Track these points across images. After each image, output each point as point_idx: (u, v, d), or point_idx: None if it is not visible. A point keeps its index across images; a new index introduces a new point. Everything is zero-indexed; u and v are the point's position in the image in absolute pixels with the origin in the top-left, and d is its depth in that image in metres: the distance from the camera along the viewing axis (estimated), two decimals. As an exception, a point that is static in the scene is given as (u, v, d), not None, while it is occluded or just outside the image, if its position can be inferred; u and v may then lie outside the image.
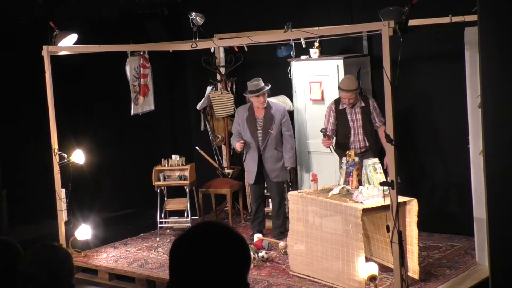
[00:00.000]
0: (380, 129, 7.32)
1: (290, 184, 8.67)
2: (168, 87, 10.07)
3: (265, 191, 8.43)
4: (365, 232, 6.77)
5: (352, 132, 7.55)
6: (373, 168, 6.46)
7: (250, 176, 8.15)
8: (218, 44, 8.24)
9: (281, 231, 8.10)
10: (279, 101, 8.78)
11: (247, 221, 8.87)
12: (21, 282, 3.11)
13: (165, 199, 8.74)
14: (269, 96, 8.22)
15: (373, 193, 6.25)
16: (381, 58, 5.83)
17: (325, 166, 8.22)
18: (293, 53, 8.27)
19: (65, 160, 7.65)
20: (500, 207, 4.21)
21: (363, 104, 7.51)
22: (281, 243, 7.49)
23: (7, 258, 3.29)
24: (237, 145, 8.03)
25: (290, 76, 8.46)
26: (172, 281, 2.10)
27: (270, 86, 7.96)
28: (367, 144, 7.54)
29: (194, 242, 2.08)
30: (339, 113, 7.60)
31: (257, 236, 7.73)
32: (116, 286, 7.37)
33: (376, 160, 6.59)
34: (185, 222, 8.54)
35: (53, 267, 3.13)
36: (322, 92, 8.24)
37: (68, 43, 7.76)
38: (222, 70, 9.34)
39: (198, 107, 9.30)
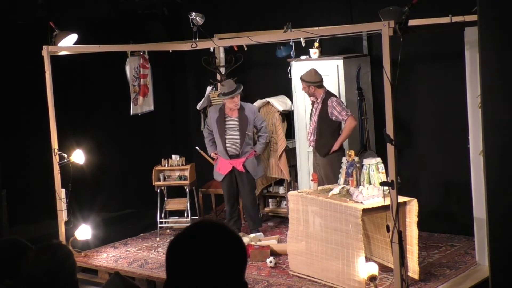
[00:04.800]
0: (348, 120, 7.47)
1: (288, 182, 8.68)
2: (168, 87, 10.07)
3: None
4: (365, 232, 6.77)
5: (310, 125, 7.80)
6: (375, 168, 6.46)
7: (218, 175, 8.17)
8: (218, 44, 8.24)
9: (258, 227, 8.20)
10: (279, 101, 8.79)
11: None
12: (26, 284, 3.13)
13: (165, 199, 8.75)
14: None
15: (373, 193, 6.25)
16: (381, 58, 5.83)
17: (325, 166, 8.22)
18: (293, 53, 8.26)
19: (65, 160, 7.65)
20: (500, 207, 4.21)
21: (321, 101, 7.62)
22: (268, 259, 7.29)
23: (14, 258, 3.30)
24: (213, 155, 8.19)
25: (290, 76, 8.45)
26: (170, 279, 2.10)
27: (242, 87, 7.99)
28: (314, 141, 7.67)
29: (191, 241, 2.09)
30: (312, 105, 7.87)
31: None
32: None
33: (379, 159, 6.58)
34: (185, 222, 8.54)
35: (55, 266, 3.14)
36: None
37: (68, 43, 7.76)
38: (222, 70, 9.34)
39: (198, 107, 9.30)
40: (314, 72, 7.67)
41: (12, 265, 3.28)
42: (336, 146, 7.56)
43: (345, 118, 7.49)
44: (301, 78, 7.70)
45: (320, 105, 7.62)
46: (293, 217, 6.86)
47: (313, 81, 7.61)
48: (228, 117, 8.03)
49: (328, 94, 7.65)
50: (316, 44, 8.27)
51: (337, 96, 7.77)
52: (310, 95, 7.74)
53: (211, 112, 8.23)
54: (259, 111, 8.98)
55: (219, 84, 7.99)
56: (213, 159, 8.34)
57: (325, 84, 8.24)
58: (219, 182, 8.91)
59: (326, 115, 7.58)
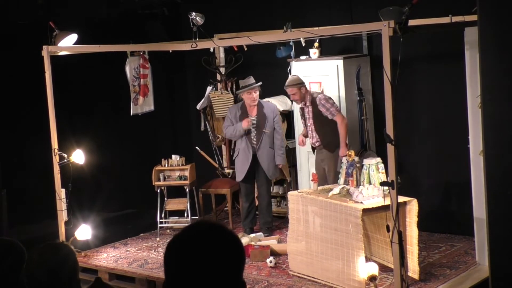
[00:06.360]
0: (336, 119, 7.56)
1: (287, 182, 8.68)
2: (168, 87, 10.07)
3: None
4: (365, 232, 6.77)
5: (308, 129, 7.85)
6: (375, 168, 6.46)
7: (239, 174, 8.18)
8: (218, 44, 8.24)
9: (269, 227, 8.25)
10: (279, 101, 8.79)
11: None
12: (29, 284, 3.13)
13: (165, 199, 8.75)
14: (262, 96, 8.25)
15: (373, 193, 6.25)
16: (381, 58, 5.83)
17: (325, 166, 8.22)
18: (292, 53, 8.27)
19: (65, 160, 7.64)
20: (500, 207, 4.21)
21: (311, 104, 7.69)
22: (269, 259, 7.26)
23: (12, 259, 3.31)
24: (244, 123, 7.96)
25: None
26: (168, 281, 2.10)
27: (261, 83, 8.05)
28: (319, 140, 7.74)
29: (188, 242, 2.09)
30: (301, 112, 7.94)
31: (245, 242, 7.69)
32: (116, 286, 7.36)
33: (379, 159, 6.58)
34: (185, 222, 8.53)
35: (55, 266, 3.15)
36: (322, 92, 8.24)
37: (68, 43, 7.76)
38: (222, 70, 9.34)
39: (198, 107, 9.30)
40: (297, 76, 7.77)
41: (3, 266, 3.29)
42: (343, 148, 7.53)
43: (335, 115, 7.57)
44: (290, 85, 7.67)
45: (310, 107, 7.70)
46: (293, 217, 6.86)
47: (301, 82, 7.69)
48: (250, 116, 8.06)
49: (313, 95, 7.75)
50: (316, 44, 8.27)
51: (323, 93, 7.84)
52: (302, 100, 7.73)
53: (231, 111, 8.19)
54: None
55: (240, 81, 8.05)
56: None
57: (325, 84, 8.26)
58: (219, 182, 8.93)
59: (321, 114, 7.64)
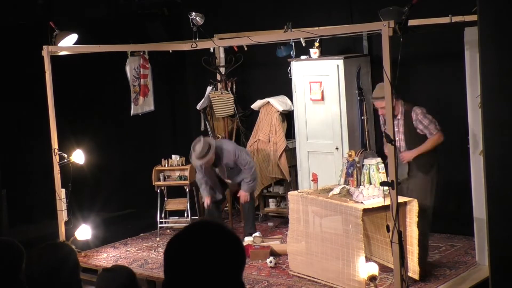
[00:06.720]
0: (435, 136, 6.55)
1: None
2: (168, 87, 10.07)
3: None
4: (365, 232, 6.77)
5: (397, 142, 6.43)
6: (376, 168, 6.45)
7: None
8: (218, 44, 8.24)
9: (251, 231, 8.10)
10: (279, 101, 8.78)
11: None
12: (29, 284, 3.14)
13: (165, 199, 8.75)
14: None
15: (373, 193, 6.25)
16: (381, 58, 5.83)
17: (325, 166, 8.22)
18: (293, 53, 8.27)
19: (65, 160, 7.65)
20: (500, 207, 4.21)
21: (403, 117, 6.56)
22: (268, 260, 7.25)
23: (10, 258, 3.31)
24: (207, 201, 7.98)
25: (290, 76, 8.46)
26: (168, 280, 2.10)
27: (213, 148, 7.68)
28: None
29: (189, 241, 2.09)
30: (383, 121, 6.65)
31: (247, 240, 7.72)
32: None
33: (379, 159, 6.57)
34: (185, 222, 8.54)
35: (55, 265, 3.15)
36: (322, 92, 8.24)
37: (68, 43, 7.76)
38: (222, 70, 9.33)
39: (198, 107, 9.30)
40: (382, 85, 6.20)
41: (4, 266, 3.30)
42: (412, 152, 6.55)
43: (434, 134, 6.52)
44: (379, 98, 6.37)
45: (402, 120, 6.54)
46: (293, 217, 6.86)
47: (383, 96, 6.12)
48: (212, 167, 7.97)
49: (404, 106, 6.57)
50: (316, 44, 8.27)
51: (417, 105, 6.64)
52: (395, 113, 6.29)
53: (197, 165, 7.99)
54: (259, 111, 8.99)
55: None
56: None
57: (325, 84, 8.26)
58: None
59: (414, 129, 6.55)
